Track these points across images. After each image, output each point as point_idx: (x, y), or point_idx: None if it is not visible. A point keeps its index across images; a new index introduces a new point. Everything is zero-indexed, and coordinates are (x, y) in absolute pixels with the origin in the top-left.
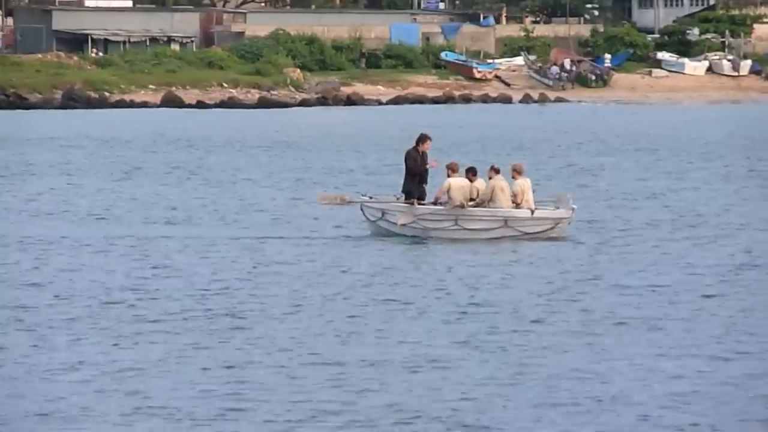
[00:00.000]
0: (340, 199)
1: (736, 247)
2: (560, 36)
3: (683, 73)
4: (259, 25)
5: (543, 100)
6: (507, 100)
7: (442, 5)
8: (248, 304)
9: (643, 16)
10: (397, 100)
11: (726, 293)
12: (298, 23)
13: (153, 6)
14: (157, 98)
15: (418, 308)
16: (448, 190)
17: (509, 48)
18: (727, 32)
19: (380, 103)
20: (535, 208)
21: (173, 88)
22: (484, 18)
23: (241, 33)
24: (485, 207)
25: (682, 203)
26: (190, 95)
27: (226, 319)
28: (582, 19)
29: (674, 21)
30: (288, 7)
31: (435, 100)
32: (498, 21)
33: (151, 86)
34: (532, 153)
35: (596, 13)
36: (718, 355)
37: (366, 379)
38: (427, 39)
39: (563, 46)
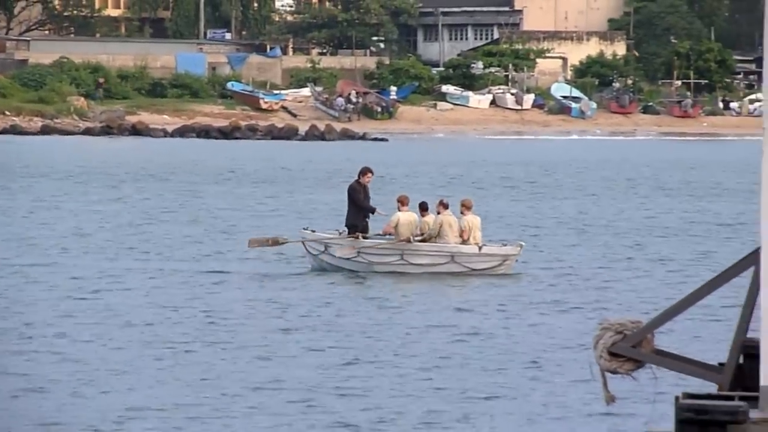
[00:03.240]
0: (272, 241)
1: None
2: (346, 68)
3: (468, 107)
4: (42, 53)
5: (329, 131)
6: (293, 131)
7: (228, 35)
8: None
9: (428, 50)
10: (183, 130)
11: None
12: (82, 51)
13: None
14: None
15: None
16: (396, 225)
17: (296, 79)
18: (510, 66)
19: (166, 133)
20: (483, 245)
21: None
22: (270, 49)
23: (24, 60)
24: (432, 242)
25: None
26: None
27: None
28: (368, 51)
29: (459, 54)
30: (72, 35)
31: (221, 131)
32: (284, 52)
33: None
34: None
35: (382, 45)
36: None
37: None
38: (214, 69)
39: (349, 77)
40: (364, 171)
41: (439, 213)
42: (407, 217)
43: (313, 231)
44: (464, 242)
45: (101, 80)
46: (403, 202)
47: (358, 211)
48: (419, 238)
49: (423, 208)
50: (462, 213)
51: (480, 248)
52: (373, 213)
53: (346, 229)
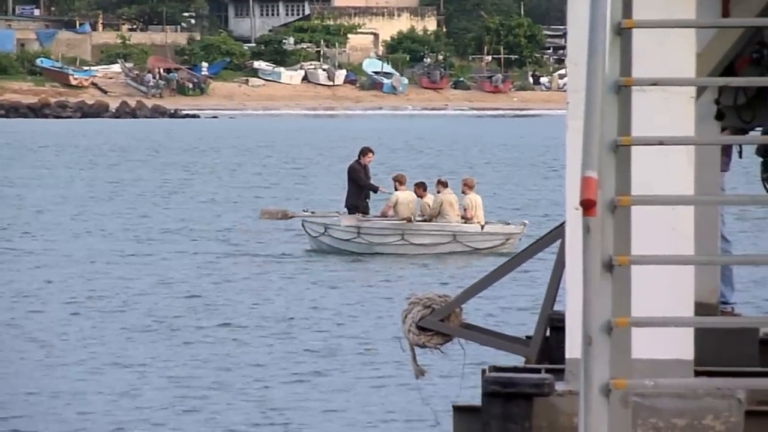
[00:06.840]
0: (282, 214)
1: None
2: (157, 44)
3: (280, 82)
4: None
5: (140, 107)
6: (104, 107)
7: (37, 11)
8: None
9: (240, 25)
10: None
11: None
12: None
13: None
14: None
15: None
16: (395, 205)
17: (106, 55)
18: (322, 42)
19: None
20: (485, 223)
21: None
22: (80, 25)
23: None
24: (434, 221)
25: None
26: None
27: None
28: (179, 27)
29: (270, 30)
30: None
31: (30, 107)
32: (94, 28)
33: None
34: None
35: (193, 21)
36: None
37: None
38: (22, 45)
39: (160, 54)
40: (365, 151)
41: (438, 192)
42: (406, 196)
43: (313, 212)
44: (467, 221)
45: None
46: (400, 181)
47: (359, 191)
48: (421, 219)
49: (421, 187)
50: (463, 192)
51: (482, 227)
52: (376, 191)
53: (346, 210)
